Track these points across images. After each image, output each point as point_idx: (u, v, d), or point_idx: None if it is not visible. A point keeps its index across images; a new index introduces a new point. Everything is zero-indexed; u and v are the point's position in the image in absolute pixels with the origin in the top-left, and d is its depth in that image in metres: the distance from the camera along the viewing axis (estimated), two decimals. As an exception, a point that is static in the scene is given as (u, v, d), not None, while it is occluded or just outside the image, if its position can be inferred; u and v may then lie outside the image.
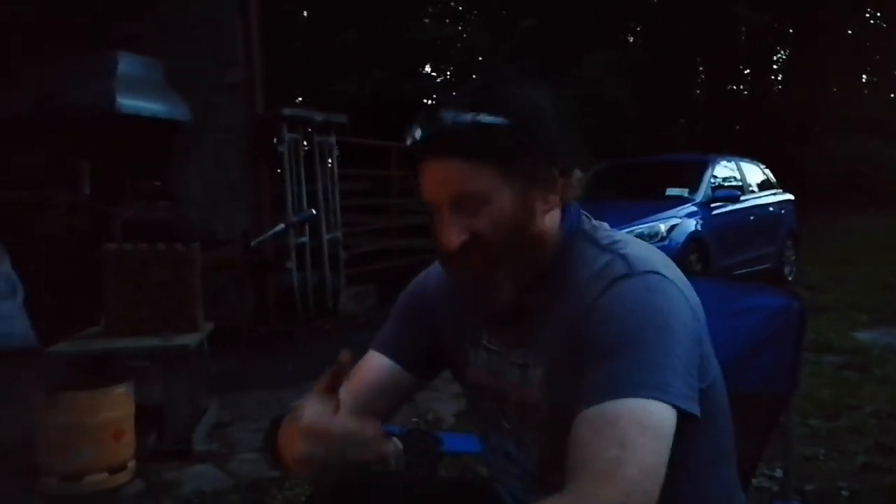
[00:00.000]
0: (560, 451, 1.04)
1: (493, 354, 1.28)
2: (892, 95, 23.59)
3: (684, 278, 1.19)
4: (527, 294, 1.20)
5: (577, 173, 1.21)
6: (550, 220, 1.19)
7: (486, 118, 1.11)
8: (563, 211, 1.22)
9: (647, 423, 1.00)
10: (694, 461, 1.17)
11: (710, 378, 1.18)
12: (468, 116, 1.11)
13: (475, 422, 1.40)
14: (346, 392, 1.23)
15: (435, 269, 1.39)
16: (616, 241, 1.20)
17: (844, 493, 3.07)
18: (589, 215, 1.27)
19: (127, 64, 6.20)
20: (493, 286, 1.17)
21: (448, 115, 1.13)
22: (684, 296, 1.13)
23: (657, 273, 1.12)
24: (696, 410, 1.05)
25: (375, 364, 1.35)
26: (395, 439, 1.71)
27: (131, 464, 3.40)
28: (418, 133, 1.15)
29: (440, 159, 1.14)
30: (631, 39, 18.65)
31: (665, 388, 1.03)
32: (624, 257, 1.15)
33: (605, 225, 1.26)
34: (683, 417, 1.04)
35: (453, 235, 1.14)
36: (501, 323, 1.26)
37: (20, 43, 6.28)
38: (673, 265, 1.19)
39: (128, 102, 5.96)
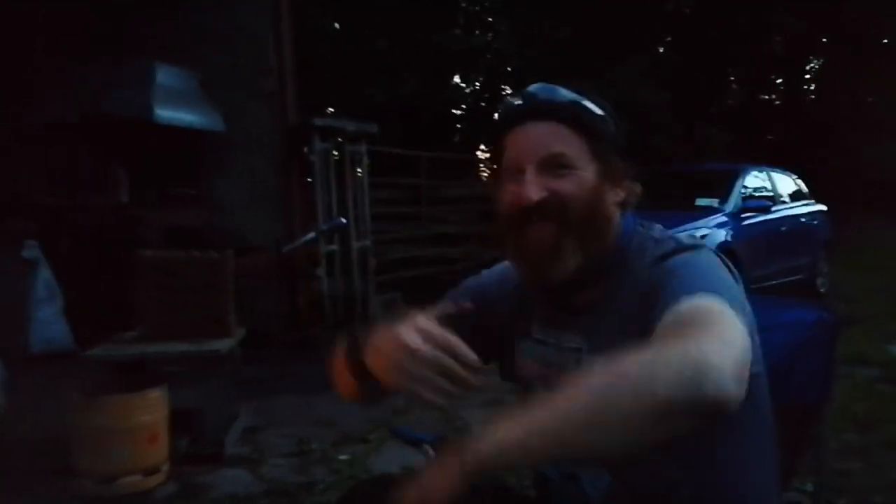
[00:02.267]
0: None
1: (545, 346, 1.33)
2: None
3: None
4: (587, 284, 1.26)
5: (636, 185, 1.31)
6: (615, 211, 1.28)
7: (588, 101, 1.27)
8: (624, 216, 1.30)
9: (724, 312, 1.02)
10: (735, 452, 1.20)
11: (756, 368, 1.17)
12: (574, 95, 1.26)
13: None
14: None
15: (490, 270, 1.48)
16: (670, 236, 1.29)
17: (878, 507, 3.03)
18: (643, 221, 1.34)
19: (164, 75, 6.30)
20: (559, 254, 1.23)
21: (556, 89, 1.26)
22: (737, 280, 1.19)
23: (706, 247, 1.22)
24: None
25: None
26: (426, 446, 1.73)
27: (165, 466, 3.45)
28: (526, 96, 1.28)
29: (543, 120, 1.25)
30: (661, 50, 18.55)
31: (733, 304, 1.05)
32: (678, 241, 1.24)
33: (659, 226, 1.34)
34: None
35: (534, 190, 1.22)
36: (554, 313, 1.30)
37: (62, 51, 6.41)
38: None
39: (164, 113, 6.06)
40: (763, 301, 1.71)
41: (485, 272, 1.49)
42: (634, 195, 1.31)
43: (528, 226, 1.23)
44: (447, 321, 1.16)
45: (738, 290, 1.15)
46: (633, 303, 1.19)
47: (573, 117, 1.24)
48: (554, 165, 1.23)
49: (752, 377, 1.16)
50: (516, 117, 1.27)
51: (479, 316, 1.38)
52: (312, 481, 3.45)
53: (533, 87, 1.28)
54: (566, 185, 1.22)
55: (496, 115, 1.33)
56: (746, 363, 0.97)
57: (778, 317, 1.57)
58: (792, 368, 1.49)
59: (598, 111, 1.27)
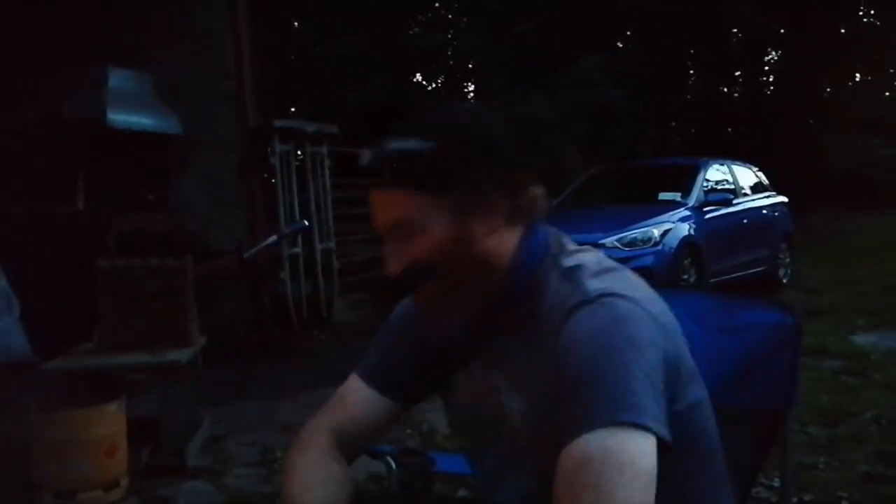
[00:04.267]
0: (547, 475, 1.01)
1: (474, 380, 1.26)
2: (888, 94, 23.63)
3: (653, 296, 1.15)
4: (496, 317, 1.18)
5: (536, 191, 1.17)
6: (498, 241, 1.15)
7: (405, 144, 1.12)
8: (528, 230, 1.18)
9: (623, 459, 0.96)
10: (677, 492, 1.12)
11: (691, 398, 1.14)
12: (391, 144, 1.12)
13: (464, 443, 1.38)
14: (330, 424, 1.30)
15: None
16: (577, 268, 1.15)
17: (845, 502, 3.04)
18: (559, 233, 1.23)
19: (117, 78, 6.21)
20: (438, 313, 1.17)
21: (375, 147, 1.15)
22: (649, 313, 1.08)
23: (614, 294, 1.08)
24: (667, 436, 1.00)
25: (360, 395, 1.33)
26: (388, 458, 1.71)
27: (125, 480, 3.38)
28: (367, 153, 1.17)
29: (373, 189, 1.16)
30: (620, 45, 18.67)
31: (637, 412, 0.98)
32: (580, 284, 1.11)
33: (574, 246, 1.22)
34: (660, 445, 0.99)
35: (391, 264, 1.15)
36: (484, 344, 1.23)
37: (17, 56, 6.28)
38: (639, 284, 1.15)
39: (119, 117, 5.97)
40: (722, 301, 1.70)
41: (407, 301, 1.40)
42: (530, 208, 1.16)
43: (405, 291, 1.20)
44: (373, 376, 1.28)
45: (651, 346, 1.05)
46: (540, 354, 1.11)
47: (393, 176, 1.13)
48: (399, 233, 1.14)
49: (692, 406, 1.14)
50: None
51: (407, 354, 1.33)
52: (277, 491, 3.39)
53: (363, 150, 1.19)
54: (417, 251, 1.12)
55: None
56: None
57: (737, 318, 1.55)
58: (751, 373, 1.48)
59: (425, 145, 1.11)
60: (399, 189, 1.13)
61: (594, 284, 1.10)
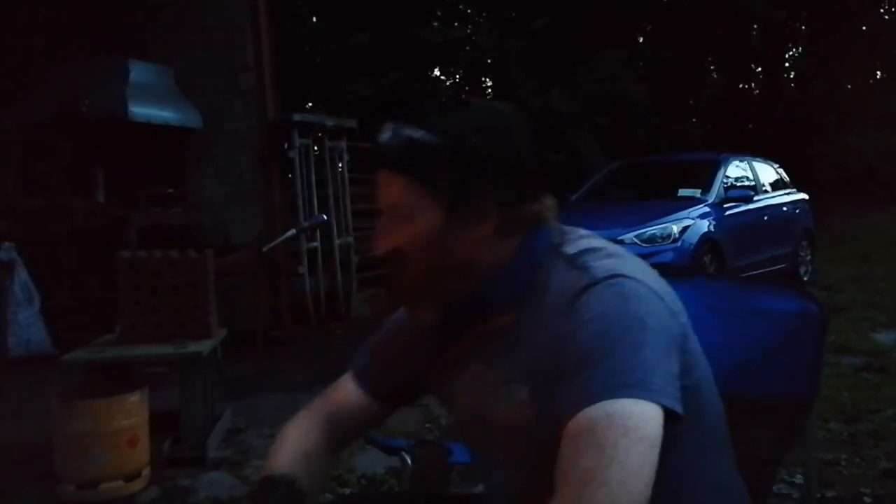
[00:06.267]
0: (551, 461, 1.01)
1: (473, 383, 1.25)
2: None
3: (658, 278, 1.16)
4: (499, 314, 1.18)
5: (538, 206, 1.18)
6: (484, 249, 1.16)
7: (414, 133, 1.13)
8: (529, 237, 1.18)
9: (628, 424, 0.97)
10: (685, 461, 1.14)
11: (696, 376, 1.15)
12: (399, 129, 1.15)
13: (468, 447, 1.39)
14: (321, 413, 1.35)
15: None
16: (583, 253, 1.16)
17: (867, 499, 3.01)
18: (562, 227, 1.23)
19: (138, 72, 6.25)
20: (413, 303, 1.20)
21: (386, 129, 1.16)
22: (656, 293, 1.10)
23: (620, 275, 1.09)
24: (678, 408, 1.01)
25: (350, 392, 1.37)
26: (403, 453, 1.72)
27: (146, 471, 3.41)
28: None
29: (382, 168, 1.17)
30: (641, 39, 18.57)
31: (645, 384, 1.00)
32: (587, 268, 1.12)
33: (579, 233, 1.22)
34: (669, 416, 1.00)
35: (376, 242, 1.18)
36: (468, 344, 1.23)
37: (37, 51, 6.33)
38: (645, 267, 1.16)
39: (139, 111, 6.00)
40: (744, 286, 1.68)
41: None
42: (524, 220, 1.17)
43: (388, 274, 1.21)
44: (363, 376, 1.34)
45: (658, 324, 1.06)
46: (545, 342, 1.11)
47: (396, 160, 1.15)
48: (391, 216, 1.16)
49: (698, 382, 1.15)
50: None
51: (399, 359, 1.34)
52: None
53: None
54: (402, 239, 1.15)
55: None
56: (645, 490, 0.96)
57: (759, 303, 1.53)
58: (773, 360, 1.46)
59: (432, 138, 1.12)
60: (399, 174, 1.15)
61: (601, 267, 1.11)
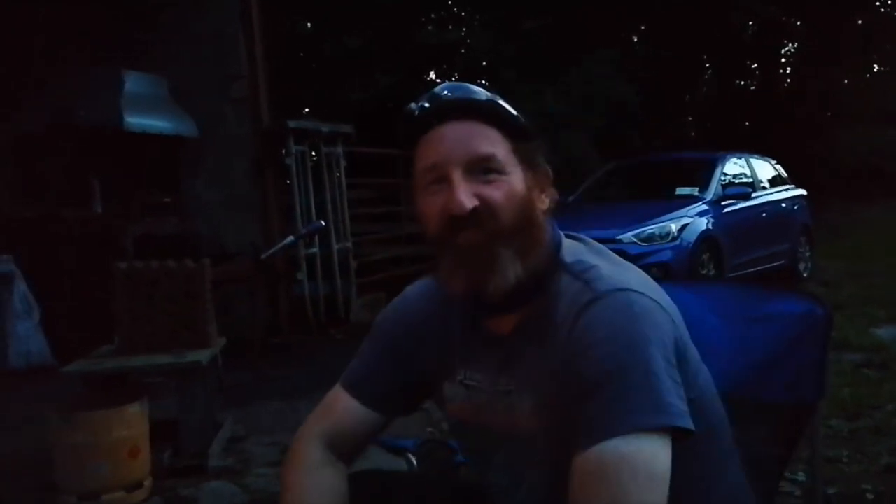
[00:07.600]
0: (558, 482, 1.02)
1: (472, 389, 1.24)
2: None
3: (656, 286, 1.17)
4: (515, 305, 1.17)
5: (554, 192, 1.23)
6: (545, 220, 1.19)
7: (506, 103, 1.17)
8: (553, 226, 1.23)
9: (637, 464, 0.98)
10: (695, 474, 1.15)
11: (699, 387, 1.16)
12: (493, 95, 1.17)
13: (466, 457, 1.38)
14: (320, 430, 1.30)
15: (414, 293, 1.36)
16: (585, 266, 1.16)
17: (869, 495, 3.00)
18: (566, 234, 1.25)
19: (133, 81, 6.24)
20: (497, 264, 1.12)
21: (470, 87, 1.17)
22: (658, 304, 1.11)
23: (623, 289, 1.09)
24: (690, 425, 1.03)
25: (345, 406, 1.32)
26: (408, 455, 1.71)
27: (147, 481, 3.39)
28: (437, 96, 1.17)
29: (464, 119, 1.15)
30: (636, 39, 18.59)
31: (657, 408, 1.01)
32: (588, 282, 1.12)
33: (580, 246, 1.23)
34: (679, 433, 1.02)
35: (466, 198, 1.11)
36: (478, 346, 1.22)
37: (31, 61, 6.32)
38: (641, 275, 1.17)
39: (134, 121, 6.00)
40: (749, 290, 1.67)
41: (398, 301, 1.37)
42: (555, 202, 1.21)
43: (460, 233, 1.12)
44: (356, 386, 1.30)
45: (663, 338, 1.07)
46: (550, 356, 1.11)
47: (496, 116, 1.15)
48: (481, 170, 1.12)
49: (702, 391, 1.17)
50: (433, 117, 1.15)
51: (396, 363, 1.32)
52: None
53: (444, 86, 1.18)
54: (496, 194, 1.11)
55: (403, 118, 1.21)
56: None
57: (765, 308, 1.53)
58: (779, 364, 1.46)
59: (516, 113, 1.17)
60: (491, 126, 1.15)
61: (604, 280, 1.11)
